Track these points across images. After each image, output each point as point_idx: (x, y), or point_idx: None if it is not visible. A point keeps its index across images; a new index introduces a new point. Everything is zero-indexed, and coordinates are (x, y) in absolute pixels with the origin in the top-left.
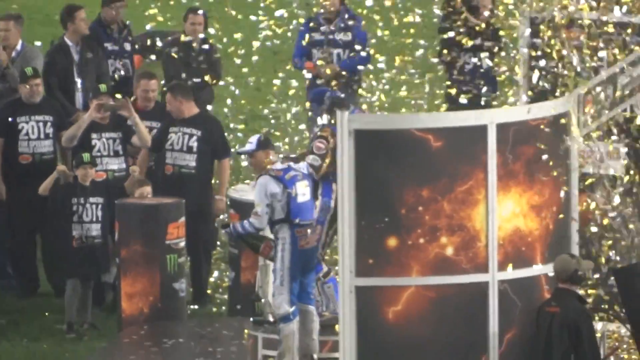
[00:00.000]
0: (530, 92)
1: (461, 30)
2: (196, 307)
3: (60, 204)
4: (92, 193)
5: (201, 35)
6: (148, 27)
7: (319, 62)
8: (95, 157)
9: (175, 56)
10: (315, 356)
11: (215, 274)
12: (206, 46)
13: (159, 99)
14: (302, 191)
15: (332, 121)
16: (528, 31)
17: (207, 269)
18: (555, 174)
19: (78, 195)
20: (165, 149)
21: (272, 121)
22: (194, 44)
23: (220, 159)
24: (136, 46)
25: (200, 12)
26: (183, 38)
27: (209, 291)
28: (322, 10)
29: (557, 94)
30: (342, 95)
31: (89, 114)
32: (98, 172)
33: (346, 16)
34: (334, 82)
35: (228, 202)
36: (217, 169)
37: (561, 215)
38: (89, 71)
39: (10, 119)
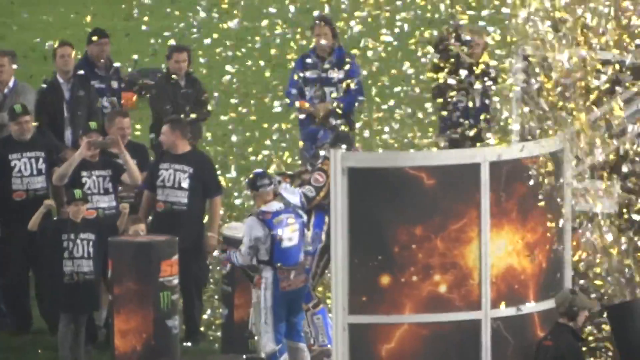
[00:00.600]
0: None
1: (452, 68)
2: (189, 344)
3: (51, 240)
4: (83, 229)
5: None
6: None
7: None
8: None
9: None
10: None
11: (209, 311)
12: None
13: (143, 136)
14: (289, 236)
15: None
16: (520, 66)
17: (199, 305)
18: (549, 212)
19: (69, 231)
20: (156, 186)
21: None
22: (180, 81)
23: (211, 197)
24: (122, 84)
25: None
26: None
27: (201, 328)
28: (314, 47)
29: (550, 132)
30: (346, 130)
31: (79, 152)
32: (89, 210)
33: (339, 53)
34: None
35: (221, 239)
36: (209, 206)
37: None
38: (80, 109)
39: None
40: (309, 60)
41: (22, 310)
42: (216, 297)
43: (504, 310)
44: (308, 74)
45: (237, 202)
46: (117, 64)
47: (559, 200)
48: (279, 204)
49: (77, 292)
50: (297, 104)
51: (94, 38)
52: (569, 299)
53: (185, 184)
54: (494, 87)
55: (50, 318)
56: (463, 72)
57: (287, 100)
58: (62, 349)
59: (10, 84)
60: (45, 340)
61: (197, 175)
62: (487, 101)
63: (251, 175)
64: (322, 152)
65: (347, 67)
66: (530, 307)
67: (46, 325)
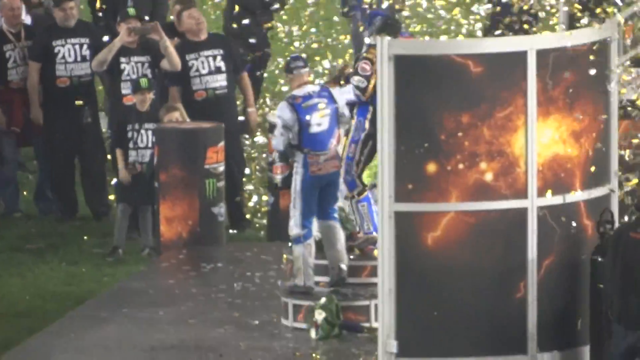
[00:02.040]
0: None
1: None
2: (235, 231)
3: (116, 130)
4: (148, 119)
5: None
6: None
7: None
8: (124, 81)
9: None
10: (343, 266)
11: (255, 198)
12: None
13: None
14: (318, 121)
15: None
16: None
17: (241, 190)
18: (595, 100)
19: (133, 121)
20: (190, 76)
21: None
22: None
23: (240, 73)
24: None
25: None
26: None
27: (247, 216)
28: None
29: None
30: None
31: (119, 38)
32: (126, 96)
33: None
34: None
35: (267, 126)
36: (239, 83)
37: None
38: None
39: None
40: None
41: (68, 197)
42: (262, 184)
43: (550, 199)
44: None
45: (285, 88)
46: None
47: (606, 88)
48: (312, 87)
49: (139, 183)
50: None
51: None
52: None
53: (223, 67)
54: None
55: (95, 206)
56: None
57: None
58: (118, 236)
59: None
60: (91, 226)
61: (228, 56)
62: None
63: (287, 58)
64: (366, 40)
65: None
66: (577, 195)
67: (91, 212)
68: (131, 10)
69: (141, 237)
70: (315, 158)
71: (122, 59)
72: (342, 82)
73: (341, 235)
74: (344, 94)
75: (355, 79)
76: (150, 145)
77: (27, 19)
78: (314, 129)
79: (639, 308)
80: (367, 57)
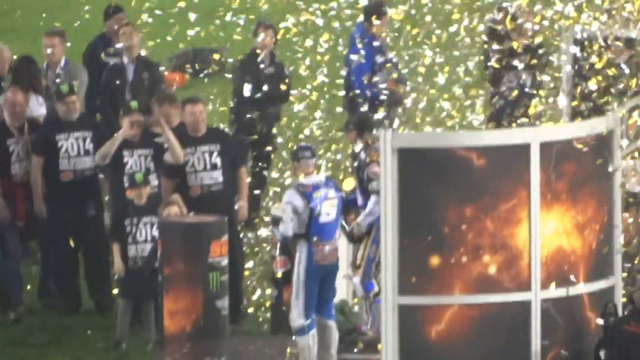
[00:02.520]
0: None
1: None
2: (236, 325)
3: (113, 223)
4: (146, 212)
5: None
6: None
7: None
8: (127, 175)
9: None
10: None
11: (258, 292)
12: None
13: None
14: (327, 211)
15: (369, 142)
16: (572, 48)
17: (241, 284)
18: (599, 192)
19: (131, 215)
20: (186, 172)
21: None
22: (264, 58)
23: (239, 168)
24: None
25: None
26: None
27: (250, 310)
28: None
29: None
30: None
31: (122, 132)
32: (130, 189)
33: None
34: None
35: (269, 219)
36: (237, 177)
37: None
38: (143, 91)
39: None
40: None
41: (72, 291)
42: (265, 278)
43: (554, 291)
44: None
45: (288, 181)
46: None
47: (609, 180)
48: (319, 177)
49: (141, 278)
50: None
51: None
52: None
53: (219, 163)
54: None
55: (99, 299)
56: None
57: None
58: (120, 332)
59: (62, 63)
60: (95, 320)
61: (225, 151)
62: (536, 80)
63: (295, 147)
64: (355, 147)
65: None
66: (580, 288)
67: (94, 305)
68: (134, 104)
69: (145, 331)
70: (321, 247)
71: (125, 152)
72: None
73: (335, 339)
74: (367, 218)
75: (374, 184)
76: (149, 239)
77: (42, 109)
78: (324, 218)
79: None
80: (374, 160)
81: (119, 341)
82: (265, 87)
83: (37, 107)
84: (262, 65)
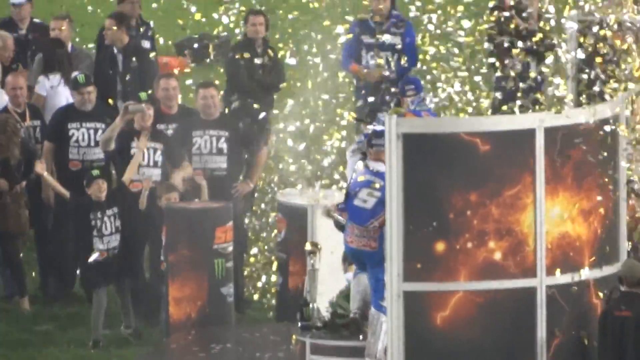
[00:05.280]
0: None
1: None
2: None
3: (74, 221)
4: (109, 205)
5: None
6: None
7: (374, 64)
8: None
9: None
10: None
11: (263, 278)
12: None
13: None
14: (364, 198)
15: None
16: (575, 28)
17: (242, 272)
18: (604, 178)
19: (95, 209)
20: (191, 154)
21: None
22: (257, 45)
23: (258, 151)
24: (185, 51)
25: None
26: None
27: (255, 296)
28: (371, 14)
29: (606, 97)
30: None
31: (119, 117)
32: (135, 182)
33: (395, 20)
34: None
35: (276, 205)
36: (253, 160)
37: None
38: (133, 79)
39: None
40: (365, 25)
41: (67, 275)
42: (271, 264)
43: (559, 278)
44: (365, 39)
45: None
46: (149, 23)
47: (614, 166)
48: (382, 166)
49: (109, 266)
50: (351, 68)
51: None
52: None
53: (225, 149)
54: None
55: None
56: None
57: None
58: (94, 328)
59: (69, 48)
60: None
61: (234, 138)
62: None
63: (371, 131)
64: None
65: (403, 31)
66: (586, 274)
67: (86, 295)
68: (143, 95)
69: (125, 318)
70: (351, 229)
71: (133, 144)
72: None
73: (383, 332)
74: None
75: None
76: (114, 230)
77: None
78: (358, 202)
79: None
80: (379, 159)
81: (96, 340)
82: (258, 75)
83: (44, 88)
84: (255, 53)
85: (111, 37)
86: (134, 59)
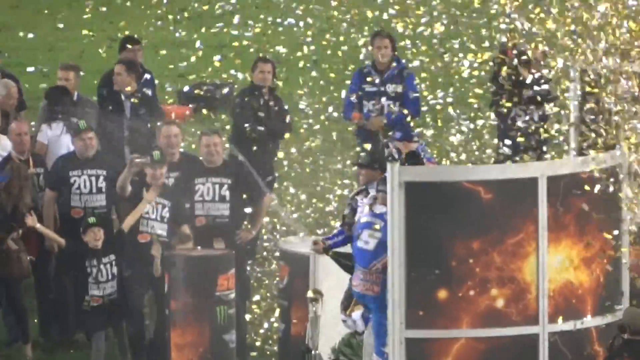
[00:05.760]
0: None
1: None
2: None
3: (74, 268)
4: (105, 252)
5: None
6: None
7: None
8: (143, 219)
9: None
10: None
11: (265, 325)
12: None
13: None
14: (366, 239)
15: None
16: (577, 79)
17: (244, 318)
18: (606, 226)
19: (90, 257)
20: (194, 201)
21: None
22: (264, 92)
23: (260, 199)
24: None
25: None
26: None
27: (258, 342)
28: (373, 60)
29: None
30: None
31: (126, 169)
32: (143, 233)
33: (397, 66)
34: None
35: (277, 254)
36: (255, 207)
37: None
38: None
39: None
40: (367, 73)
41: (69, 326)
42: (273, 311)
43: (562, 325)
44: (367, 87)
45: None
46: (150, 71)
47: (616, 214)
48: (383, 208)
49: (104, 312)
50: (353, 116)
51: (128, 45)
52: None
53: (227, 196)
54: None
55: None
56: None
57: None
58: None
59: (75, 97)
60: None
61: (237, 186)
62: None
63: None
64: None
65: (404, 83)
66: (588, 321)
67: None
68: (156, 154)
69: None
70: (357, 273)
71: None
72: None
73: None
74: None
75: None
76: (110, 277)
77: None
78: (360, 243)
79: None
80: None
81: None
82: (265, 122)
83: (46, 136)
84: (261, 100)
85: (120, 83)
86: (141, 106)
